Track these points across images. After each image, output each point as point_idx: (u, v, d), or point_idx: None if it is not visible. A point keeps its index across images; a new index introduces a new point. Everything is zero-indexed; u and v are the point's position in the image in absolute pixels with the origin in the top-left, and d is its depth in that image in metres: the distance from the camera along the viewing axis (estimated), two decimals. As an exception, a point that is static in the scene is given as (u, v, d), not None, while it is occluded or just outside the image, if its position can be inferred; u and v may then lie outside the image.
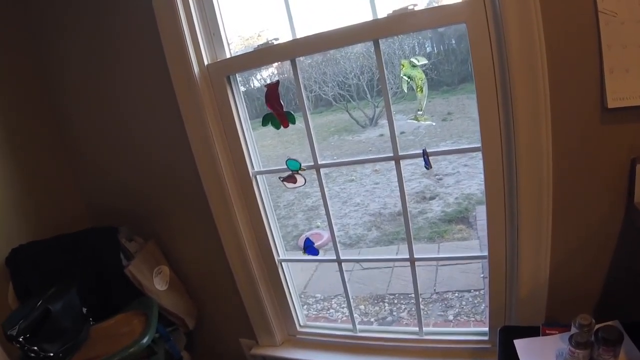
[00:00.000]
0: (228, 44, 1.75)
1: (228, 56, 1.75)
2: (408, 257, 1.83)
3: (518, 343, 1.42)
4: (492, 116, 1.41)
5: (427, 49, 7.93)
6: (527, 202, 1.44)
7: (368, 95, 7.99)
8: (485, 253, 1.66)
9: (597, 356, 1.23)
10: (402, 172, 1.67)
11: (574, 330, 1.29)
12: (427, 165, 1.56)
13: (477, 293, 3.41)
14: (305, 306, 3.69)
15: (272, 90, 1.68)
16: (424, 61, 1.58)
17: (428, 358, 1.86)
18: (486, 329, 1.81)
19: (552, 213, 1.45)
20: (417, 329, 1.95)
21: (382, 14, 1.45)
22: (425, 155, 1.55)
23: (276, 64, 1.82)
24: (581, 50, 1.26)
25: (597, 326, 1.27)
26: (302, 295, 3.86)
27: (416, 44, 7.70)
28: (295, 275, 2.14)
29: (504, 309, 1.71)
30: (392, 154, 1.65)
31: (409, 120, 1.58)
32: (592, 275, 1.52)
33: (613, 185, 1.38)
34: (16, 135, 2.04)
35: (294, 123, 1.70)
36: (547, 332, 1.44)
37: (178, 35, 1.64)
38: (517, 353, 1.39)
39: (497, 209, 1.54)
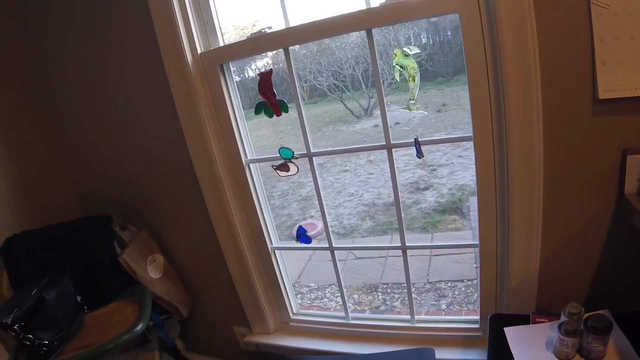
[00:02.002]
0: (221, 33, 1.75)
1: (221, 45, 1.75)
2: (400, 245, 1.85)
3: (508, 331, 1.44)
4: (483, 106, 1.42)
5: (423, 39, 7.92)
6: (518, 192, 1.45)
7: (363, 86, 7.99)
8: (477, 242, 1.68)
9: (586, 344, 1.25)
10: (395, 161, 1.68)
11: (563, 318, 1.31)
12: (419, 154, 1.57)
13: (469, 283, 3.44)
14: (299, 295, 3.71)
15: (265, 79, 1.67)
16: (416, 50, 1.58)
17: (420, 345, 1.88)
18: (477, 317, 1.82)
19: (543, 204, 1.46)
20: (409, 316, 1.97)
21: (375, 3, 1.46)
22: (417, 144, 1.55)
23: (271, 53, 1.81)
24: (573, 41, 1.26)
25: (586, 315, 1.29)
26: (296, 285, 3.88)
27: (412, 35, 7.69)
28: (290, 264, 2.15)
29: (494, 297, 1.72)
30: (384, 143, 1.66)
31: (401, 109, 1.58)
32: (583, 265, 1.53)
33: (604, 176, 1.38)
34: (8, 126, 2.04)
35: (286, 111, 1.70)
36: (537, 320, 1.46)
37: (171, 23, 1.64)
38: (507, 341, 1.41)
39: (488, 199, 1.55)
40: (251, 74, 7.61)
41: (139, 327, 1.72)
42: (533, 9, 1.24)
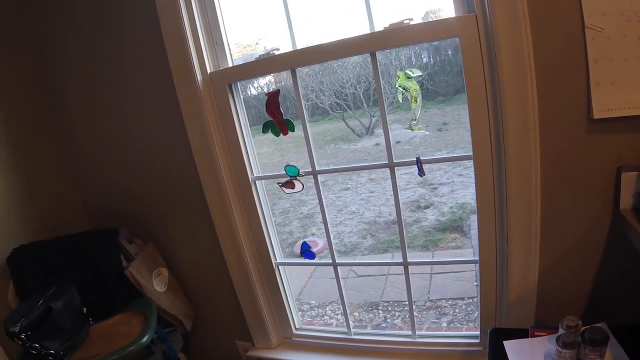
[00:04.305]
0: (230, 53, 1.80)
1: (230, 65, 1.80)
2: (402, 261, 1.88)
3: (508, 344, 1.46)
4: (482, 126, 1.47)
5: (424, 59, 8.01)
6: (516, 209, 1.49)
7: (364, 105, 8.05)
8: (477, 258, 1.71)
9: (583, 356, 1.26)
10: (397, 179, 1.72)
11: (561, 331, 1.33)
12: (421, 172, 1.61)
13: (470, 301, 3.45)
14: (300, 312, 3.71)
15: (272, 99, 1.73)
16: (418, 73, 1.63)
17: (421, 360, 1.91)
18: (477, 332, 1.85)
19: (540, 220, 1.49)
20: (410, 332, 1.99)
21: (379, 27, 1.51)
22: (419, 162, 1.60)
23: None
24: (568, 63, 1.31)
25: (583, 328, 1.31)
26: (297, 302, 3.88)
27: (413, 55, 7.78)
28: (291, 282, 2.17)
29: (494, 312, 1.75)
30: (387, 162, 1.70)
31: (403, 130, 1.64)
32: (580, 280, 1.56)
33: (600, 193, 1.42)
34: (17, 138, 2.08)
35: (292, 130, 1.75)
36: (535, 333, 1.48)
37: (182, 43, 1.70)
38: (507, 354, 1.43)
39: (487, 215, 1.59)
40: (253, 92, 7.69)
41: (144, 339, 1.75)
42: (530, 33, 1.29)
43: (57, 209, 2.25)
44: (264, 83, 7.06)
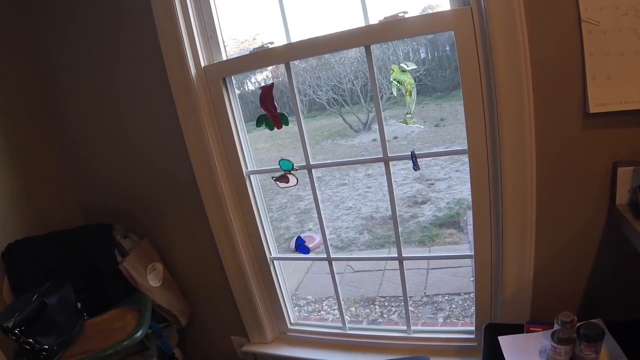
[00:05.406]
0: (224, 47, 1.79)
1: (224, 59, 1.79)
2: (397, 256, 1.88)
3: (502, 340, 1.46)
4: (478, 120, 1.46)
5: (422, 55, 8.00)
6: (511, 204, 1.49)
7: (362, 100, 8.04)
8: (472, 252, 1.70)
9: (578, 352, 1.27)
10: (393, 174, 1.72)
11: (556, 327, 1.33)
12: (415, 166, 1.61)
13: (467, 296, 3.45)
14: (297, 308, 3.71)
15: (266, 93, 1.72)
16: (412, 66, 1.62)
17: (416, 355, 1.90)
18: (473, 328, 1.85)
19: (535, 215, 1.49)
20: (405, 327, 1.99)
21: (374, 20, 1.50)
22: (413, 157, 1.59)
23: (270, 67, 1.85)
24: (564, 57, 1.31)
25: (579, 323, 1.31)
26: (294, 298, 3.88)
27: (410, 50, 7.77)
28: (287, 277, 2.17)
29: (489, 308, 1.75)
30: (382, 156, 1.70)
31: (398, 123, 1.63)
32: (575, 276, 1.56)
33: (595, 188, 1.42)
34: (13, 134, 2.06)
35: (287, 124, 1.74)
36: (530, 329, 1.48)
37: (176, 37, 1.68)
38: (501, 350, 1.43)
39: (482, 210, 1.58)
40: (250, 87, 7.68)
41: (138, 334, 1.74)
42: (525, 27, 1.29)
43: (54, 207, 2.24)
44: (262, 78, 7.05)
